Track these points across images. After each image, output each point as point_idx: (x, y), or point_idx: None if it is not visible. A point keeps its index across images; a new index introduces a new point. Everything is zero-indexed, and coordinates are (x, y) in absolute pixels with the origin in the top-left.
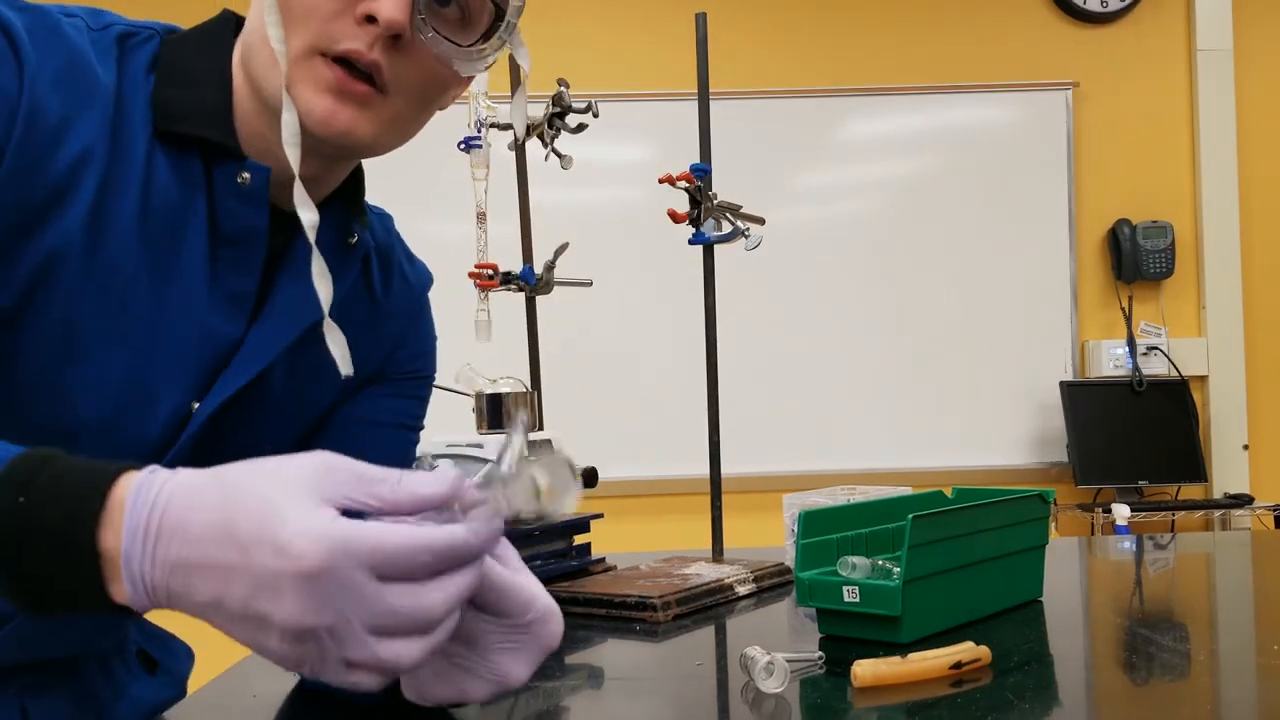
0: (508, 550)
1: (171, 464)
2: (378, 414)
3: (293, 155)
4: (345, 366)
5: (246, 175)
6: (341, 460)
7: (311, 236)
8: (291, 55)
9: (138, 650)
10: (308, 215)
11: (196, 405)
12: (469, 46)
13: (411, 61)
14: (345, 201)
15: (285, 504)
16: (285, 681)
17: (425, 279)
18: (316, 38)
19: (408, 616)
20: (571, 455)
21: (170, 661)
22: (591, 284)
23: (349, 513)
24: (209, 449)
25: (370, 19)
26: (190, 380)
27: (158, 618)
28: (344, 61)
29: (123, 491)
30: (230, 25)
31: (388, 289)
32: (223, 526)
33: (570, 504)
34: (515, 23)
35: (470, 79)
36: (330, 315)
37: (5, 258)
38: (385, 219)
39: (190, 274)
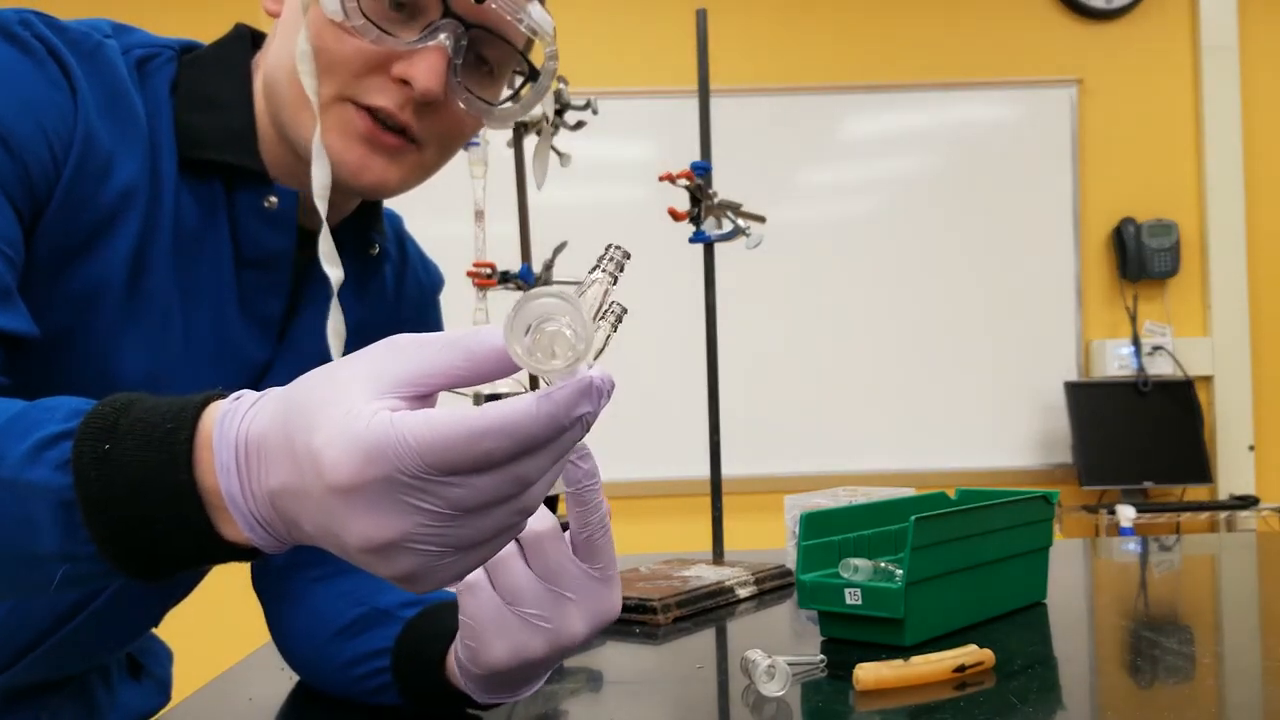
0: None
1: None
2: None
3: (321, 207)
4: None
5: (274, 199)
6: (409, 338)
7: (335, 289)
8: (321, 100)
9: (127, 655)
10: (335, 272)
11: None
12: (502, 105)
13: (442, 117)
14: (364, 214)
15: (330, 408)
16: (282, 684)
17: (437, 280)
18: (346, 87)
19: (489, 494)
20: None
21: (154, 665)
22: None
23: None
24: None
25: (405, 82)
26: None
27: None
28: (373, 109)
29: (209, 423)
30: (246, 42)
31: (400, 292)
32: (286, 444)
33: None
34: (548, 85)
35: None
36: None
37: (48, 290)
38: (395, 220)
39: (219, 299)
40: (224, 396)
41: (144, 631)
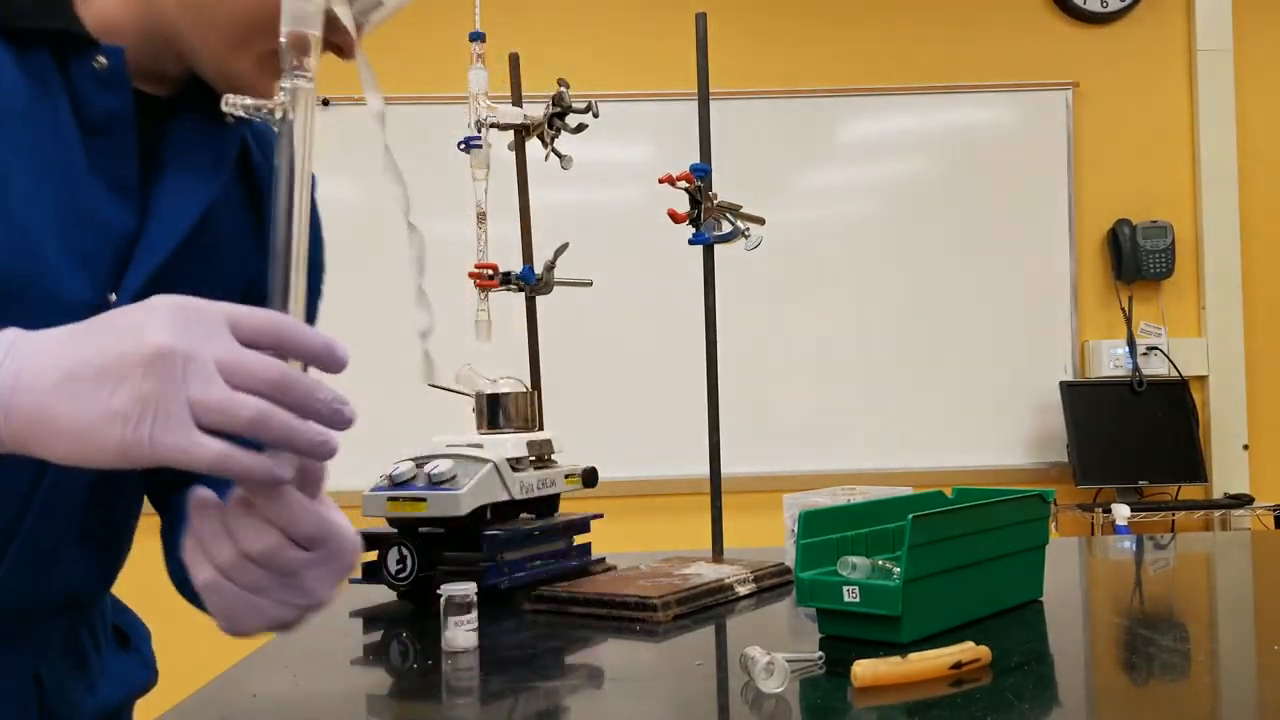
0: (322, 491)
1: None
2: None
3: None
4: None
5: (103, 60)
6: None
7: (379, 120)
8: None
9: (113, 625)
10: (375, 101)
11: (113, 297)
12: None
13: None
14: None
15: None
16: (284, 682)
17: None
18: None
19: (250, 371)
20: None
21: (138, 640)
22: (591, 284)
23: None
24: None
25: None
26: (98, 273)
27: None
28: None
29: None
30: None
31: (262, 170)
32: (82, 324)
33: None
34: None
35: None
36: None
37: None
38: (270, 131)
39: (69, 168)
40: None
41: (94, 575)
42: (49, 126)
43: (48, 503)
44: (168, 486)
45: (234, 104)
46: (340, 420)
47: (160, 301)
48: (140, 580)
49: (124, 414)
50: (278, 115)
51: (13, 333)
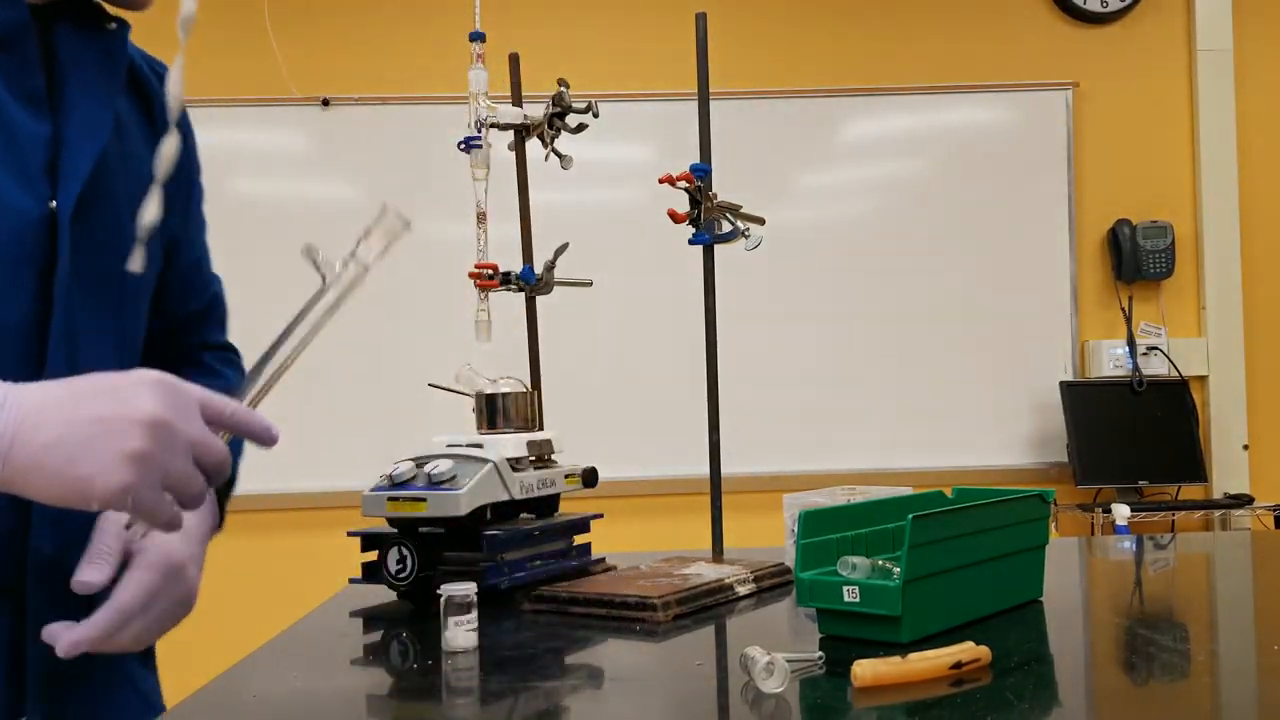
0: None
1: (71, 271)
2: (193, 251)
3: None
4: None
5: None
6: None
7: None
8: None
9: None
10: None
11: (54, 204)
12: None
13: None
14: None
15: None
16: (285, 682)
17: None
18: None
19: (206, 454)
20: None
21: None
22: (591, 284)
23: None
24: (92, 257)
25: None
26: (35, 183)
27: None
28: None
29: None
30: None
31: (148, 79)
32: (78, 380)
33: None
34: None
35: None
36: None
37: None
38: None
39: None
40: None
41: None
42: None
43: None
44: None
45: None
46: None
47: (146, 375)
48: None
49: (116, 470)
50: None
51: (3, 388)
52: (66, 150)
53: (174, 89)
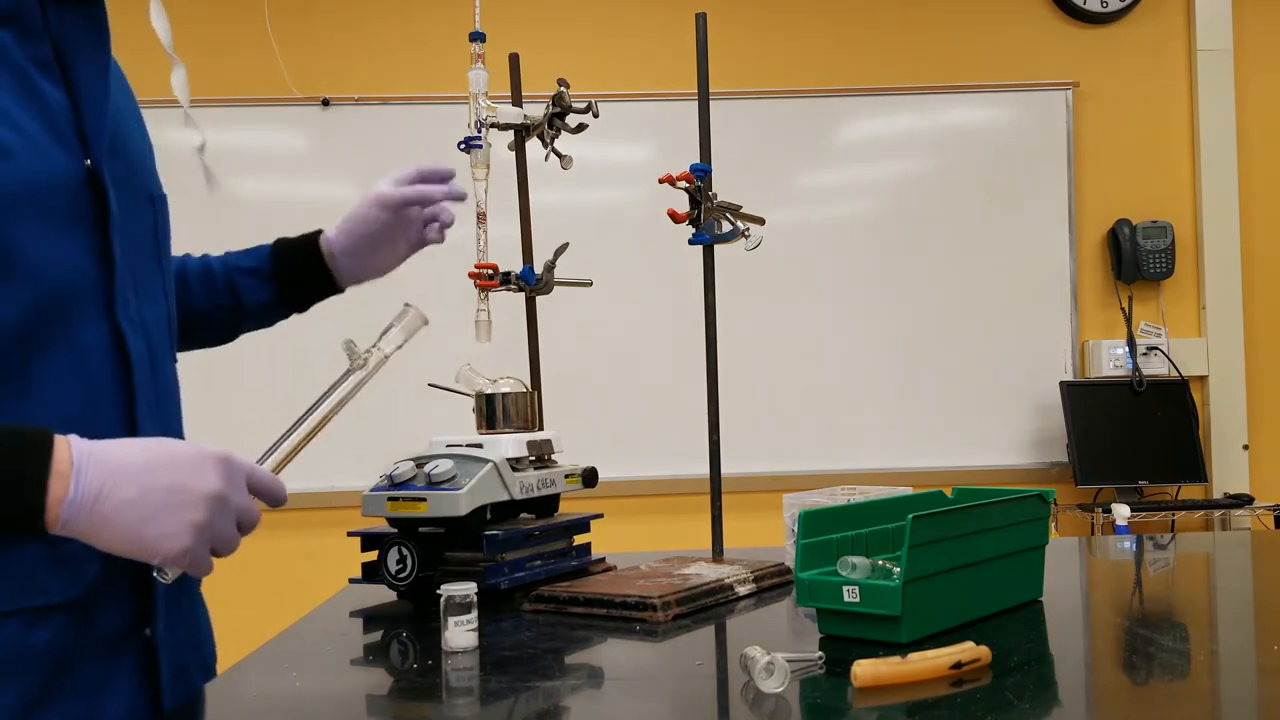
0: None
1: (120, 223)
2: None
3: None
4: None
5: None
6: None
7: None
8: None
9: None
10: None
11: (88, 163)
12: None
13: None
14: None
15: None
16: (286, 682)
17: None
18: None
19: (246, 515)
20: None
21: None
22: (591, 284)
23: None
24: (128, 211)
25: None
26: (69, 144)
27: None
28: None
29: (63, 439)
30: None
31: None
32: (151, 445)
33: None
34: None
35: None
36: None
37: None
38: None
39: (7, 57)
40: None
41: None
42: None
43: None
44: None
45: None
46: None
47: (214, 454)
48: None
49: (184, 533)
50: None
51: (89, 447)
52: (85, 112)
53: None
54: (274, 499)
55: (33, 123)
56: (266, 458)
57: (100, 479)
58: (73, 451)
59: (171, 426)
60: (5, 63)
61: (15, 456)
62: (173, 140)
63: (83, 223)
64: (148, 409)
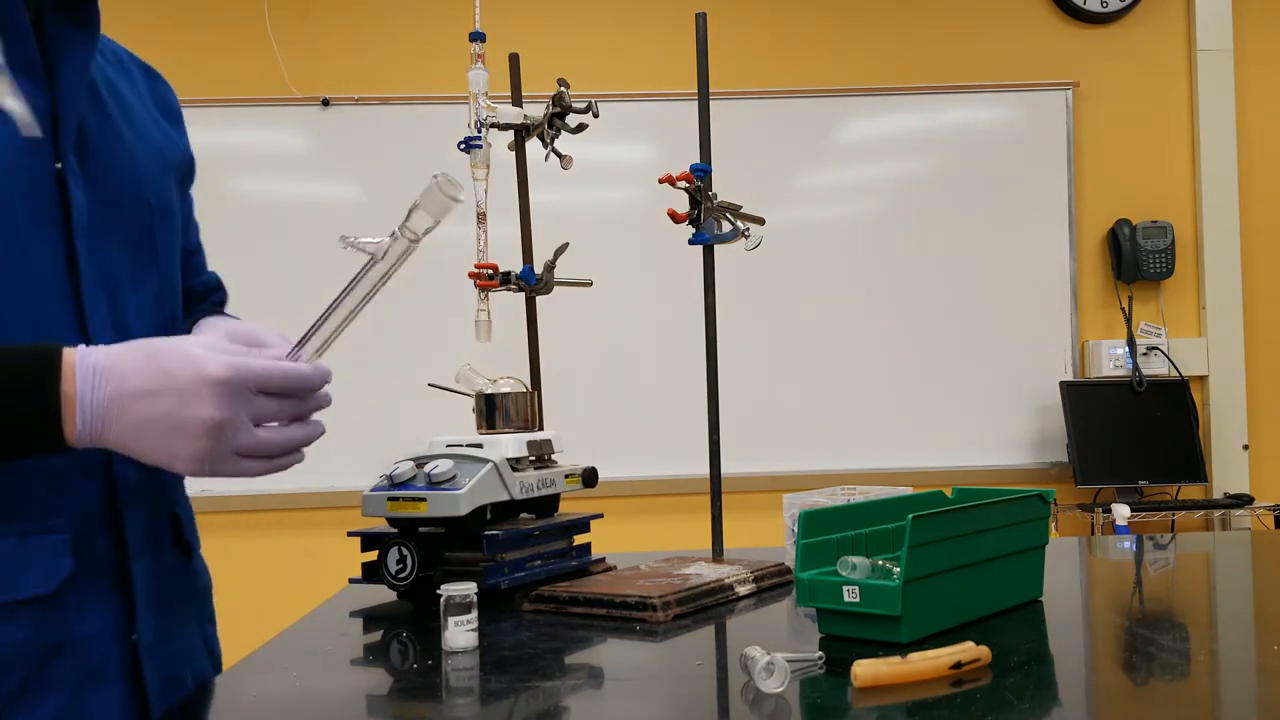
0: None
1: (87, 226)
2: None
3: None
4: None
5: None
6: (222, 329)
7: None
8: None
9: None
10: None
11: (59, 165)
12: None
13: None
14: None
15: (193, 348)
16: (286, 682)
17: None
18: None
19: (274, 415)
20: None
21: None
22: (591, 284)
23: None
24: (111, 211)
25: None
26: (39, 146)
27: None
28: None
29: (71, 355)
30: None
31: (122, 54)
32: (152, 363)
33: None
34: None
35: None
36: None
37: None
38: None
39: None
40: (70, 346)
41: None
42: None
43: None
44: None
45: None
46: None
47: (207, 376)
48: None
49: (192, 458)
50: None
51: (90, 367)
52: (61, 117)
53: None
54: (306, 388)
55: (1, 126)
56: (298, 350)
57: (104, 405)
58: (77, 378)
59: None
60: None
61: (28, 388)
62: None
63: (51, 226)
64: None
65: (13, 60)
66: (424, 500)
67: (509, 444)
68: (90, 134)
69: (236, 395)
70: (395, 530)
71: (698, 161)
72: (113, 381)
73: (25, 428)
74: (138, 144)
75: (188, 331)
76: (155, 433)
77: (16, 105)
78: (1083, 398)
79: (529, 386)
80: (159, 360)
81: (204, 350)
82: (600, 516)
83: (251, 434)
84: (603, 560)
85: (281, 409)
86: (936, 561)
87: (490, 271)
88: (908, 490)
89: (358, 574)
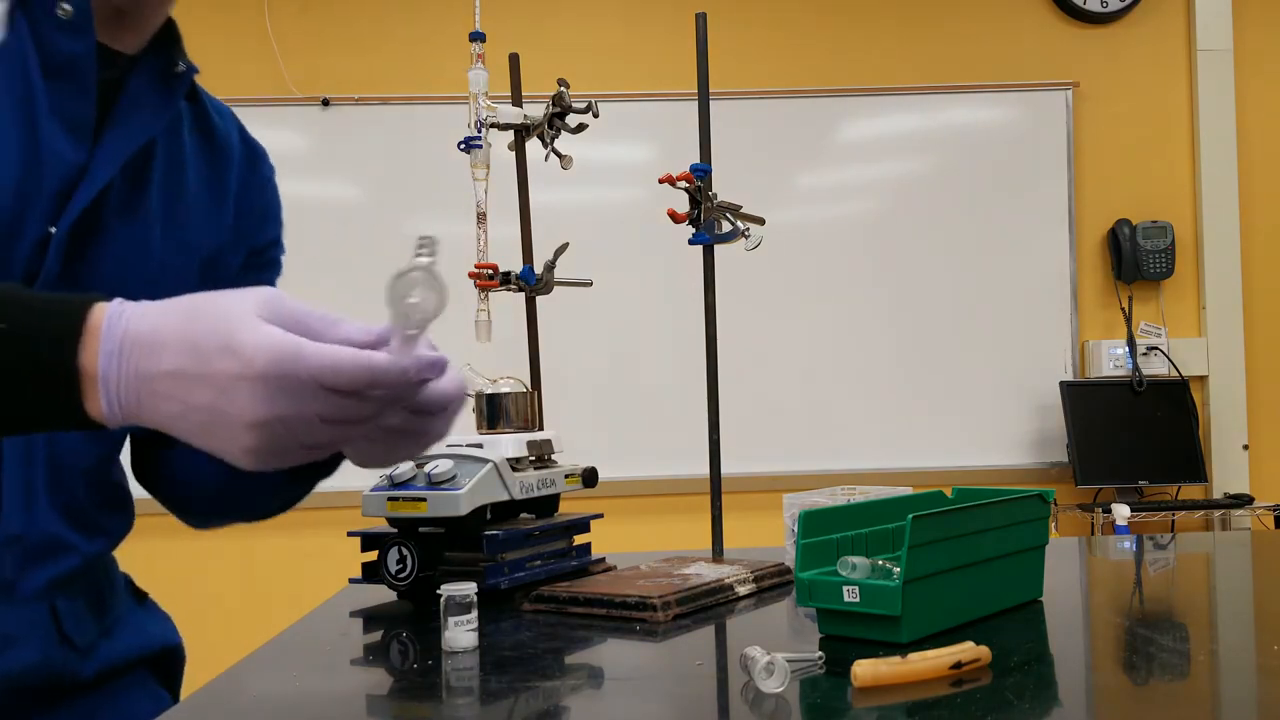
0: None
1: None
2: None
3: None
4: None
5: (67, 7)
6: (286, 297)
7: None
8: None
9: (126, 580)
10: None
11: (53, 229)
12: None
13: None
14: (166, 39)
15: (241, 319)
16: (285, 682)
17: (263, 150)
18: None
19: (347, 416)
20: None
21: (153, 605)
22: (591, 284)
23: None
24: (91, 282)
25: None
26: (45, 207)
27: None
28: None
29: (98, 317)
30: None
31: (225, 135)
32: (186, 339)
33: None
34: None
35: None
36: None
37: None
38: (225, 109)
39: (29, 104)
40: (106, 300)
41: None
42: (14, 65)
43: (55, 471)
44: None
45: None
46: (437, 371)
47: (253, 364)
48: (148, 583)
49: (247, 454)
50: None
51: (111, 341)
52: (86, 176)
53: None
54: (385, 383)
55: (13, 171)
56: (405, 334)
57: (132, 386)
58: (100, 350)
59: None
60: (24, 115)
61: (42, 356)
62: None
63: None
64: (17, 485)
65: (62, 111)
66: (424, 500)
67: (509, 444)
68: (109, 207)
69: (287, 391)
70: (395, 530)
71: (698, 161)
72: (141, 358)
73: (40, 403)
74: (165, 234)
75: None
76: (196, 423)
77: None
78: (1083, 398)
79: (529, 386)
80: (196, 333)
81: (250, 322)
82: (600, 516)
83: (323, 430)
84: (603, 560)
85: (360, 409)
86: (936, 561)
87: (490, 271)
88: (908, 490)
89: (358, 574)
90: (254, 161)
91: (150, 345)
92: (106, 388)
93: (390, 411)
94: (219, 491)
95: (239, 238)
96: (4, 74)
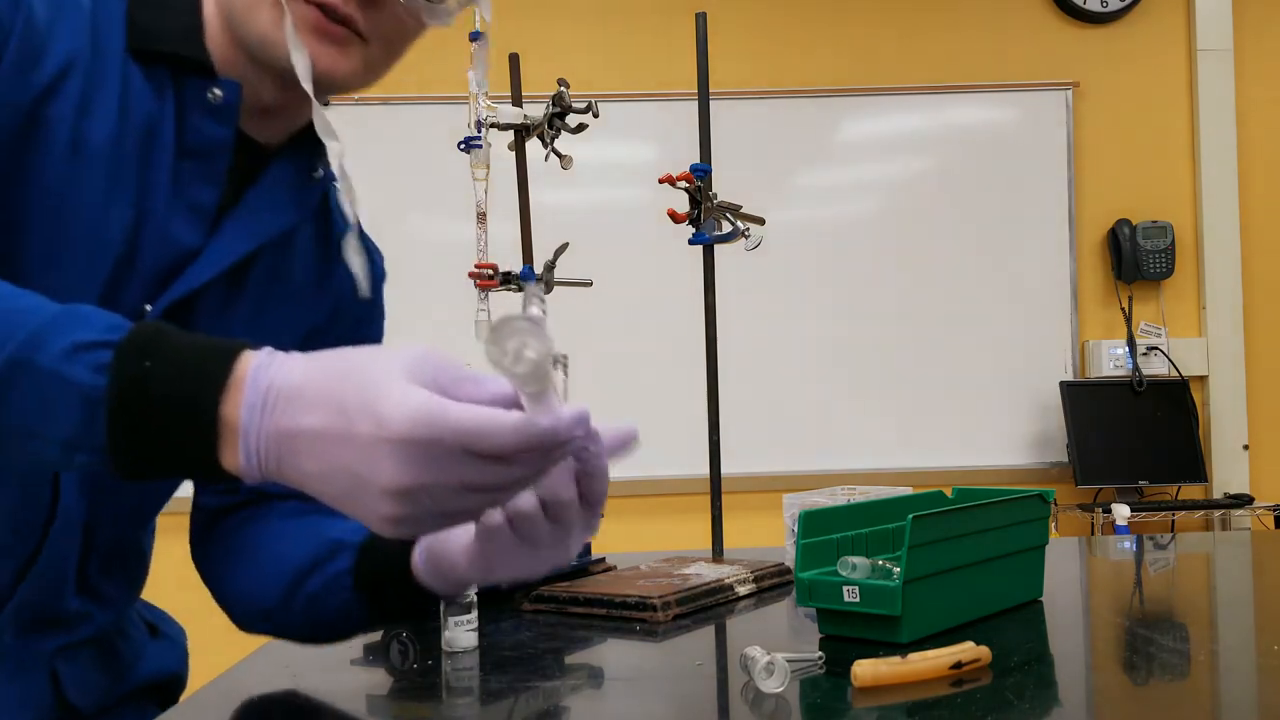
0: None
1: None
2: None
3: (307, 86)
4: (363, 287)
5: (218, 91)
6: (437, 353)
7: (335, 162)
8: None
9: (144, 619)
10: (334, 144)
11: (149, 307)
12: (435, 3)
13: (383, 13)
14: (310, 138)
15: (386, 380)
16: (284, 683)
17: (381, 262)
18: None
19: (494, 482)
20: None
21: (168, 629)
22: (591, 284)
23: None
24: None
25: None
26: (147, 282)
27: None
28: (320, 4)
29: (245, 367)
30: None
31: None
32: (332, 397)
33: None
34: None
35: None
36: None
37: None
38: (376, 250)
39: (154, 185)
40: (253, 348)
41: (128, 551)
42: (152, 142)
43: (63, 530)
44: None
45: None
46: (586, 427)
47: (393, 430)
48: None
49: (385, 522)
50: None
51: (256, 394)
52: (196, 262)
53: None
54: (560, 448)
55: (119, 247)
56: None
57: (274, 442)
58: (243, 402)
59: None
60: (146, 193)
61: (185, 402)
62: None
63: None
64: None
65: (188, 192)
66: None
67: None
68: (204, 299)
69: (430, 455)
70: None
71: (698, 161)
72: (283, 414)
73: (176, 451)
74: (249, 331)
75: None
76: (338, 487)
77: (357, 262)
78: (1083, 398)
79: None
80: (341, 392)
81: (398, 383)
82: (600, 516)
83: (466, 499)
84: (603, 560)
85: (507, 474)
86: (936, 561)
87: (490, 271)
88: (908, 490)
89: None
90: (370, 255)
91: (294, 401)
92: (246, 441)
93: (569, 487)
94: (266, 613)
95: (331, 323)
96: (138, 144)
